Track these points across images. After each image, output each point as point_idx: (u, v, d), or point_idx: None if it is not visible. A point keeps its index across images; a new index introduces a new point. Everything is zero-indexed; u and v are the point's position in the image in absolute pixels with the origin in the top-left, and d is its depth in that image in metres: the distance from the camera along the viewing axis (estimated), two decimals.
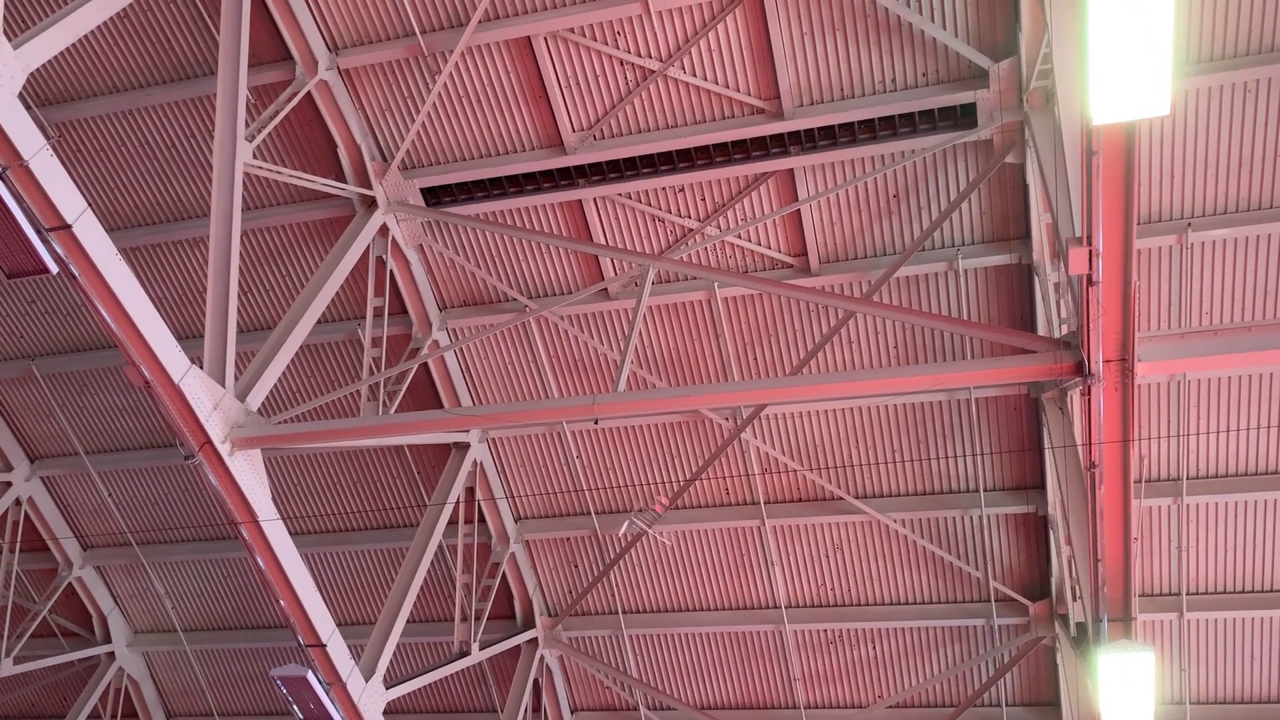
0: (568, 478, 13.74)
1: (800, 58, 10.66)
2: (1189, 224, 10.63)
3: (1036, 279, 11.10)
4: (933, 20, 10.18)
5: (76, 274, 8.69)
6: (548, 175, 11.78)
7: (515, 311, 12.76)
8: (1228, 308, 11.09)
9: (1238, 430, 11.45)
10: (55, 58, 11.80)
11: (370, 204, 12.00)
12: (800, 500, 13.23)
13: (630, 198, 11.84)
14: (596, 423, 12.99)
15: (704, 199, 11.78)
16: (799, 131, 11.04)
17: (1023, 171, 10.74)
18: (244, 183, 12.37)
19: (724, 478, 13.27)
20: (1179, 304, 11.12)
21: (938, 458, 12.53)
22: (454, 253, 12.51)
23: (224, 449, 9.78)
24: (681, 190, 11.75)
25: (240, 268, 12.96)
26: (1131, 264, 6.88)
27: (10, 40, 8.31)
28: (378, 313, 12.49)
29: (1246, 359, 7.40)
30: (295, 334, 10.72)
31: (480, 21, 10.80)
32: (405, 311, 12.94)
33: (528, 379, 13.29)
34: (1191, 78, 9.85)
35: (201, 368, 9.78)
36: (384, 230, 12.17)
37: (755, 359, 12.61)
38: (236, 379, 10.45)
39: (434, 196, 12.15)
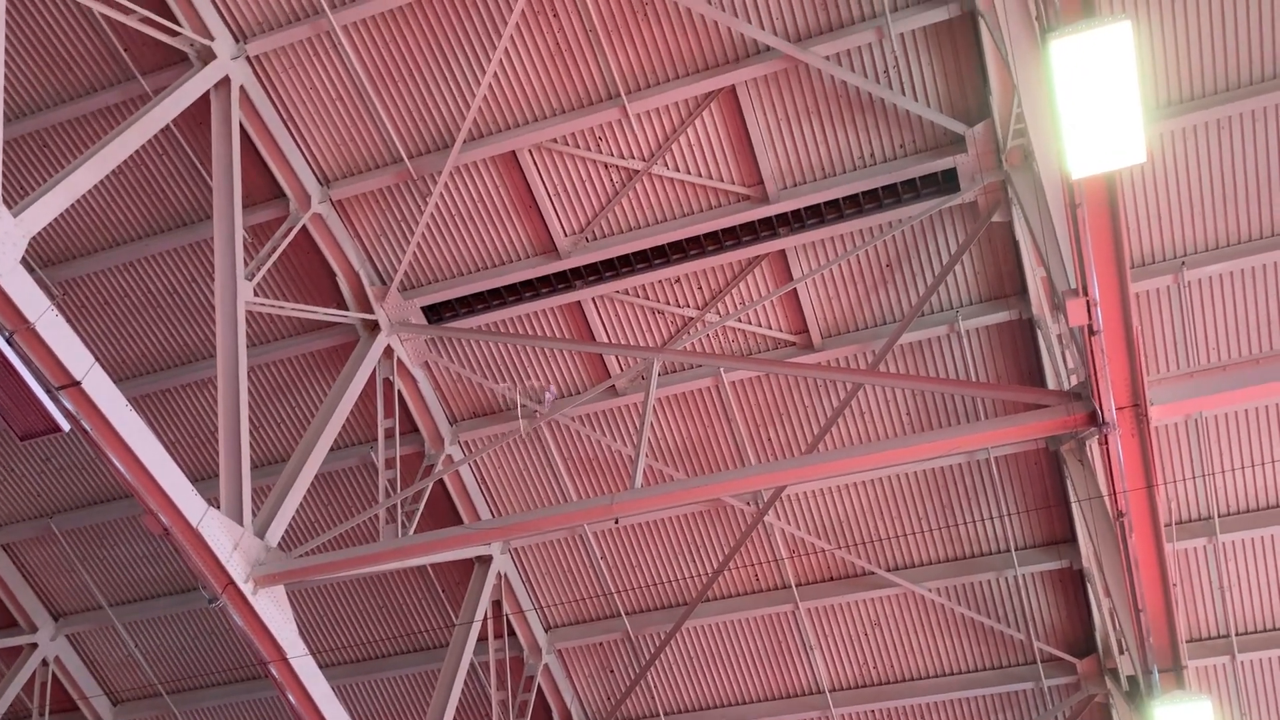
0: (594, 581, 13.59)
1: (779, 144, 10.87)
2: (1183, 262, 10.69)
3: (1039, 332, 11.12)
4: (903, 93, 10.42)
5: (89, 429, 8.76)
6: (545, 280, 11.93)
7: (526, 417, 12.77)
8: (1234, 341, 11.07)
9: (1263, 464, 11.32)
10: (55, 218, 12.09)
11: (373, 328, 12.13)
12: (832, 579, 13.04)
13: (628, 294, 11.96)
14: (617, 522, 12.90)
15: (701, 287, 11.90)
16: (786, 213, 11.20)
17: (1011, 229, 10.86)
18: (247, 320, 12.54)
19: (752, 565, 13.12)
20: (1184, 343, 11.11)
21: (965, 522, 12.39)
22: (460, 366, 12.59)
23: (247, 589, 9.72)
24: (678, 281, 11.88)
25: (250, 404, 13.05)
26: (1130, 309, 6.91)
27: (10, 208, 8.53)
28: (389, 434, 12.52)
29: (1259, 392, 7.37)
30: (309, 464, 10.74)
31: (465, 141, 11.07)
32: (416, 430, 12.98)
33: (544, 484, 13.25)
34: (1165, 120, 10.01)
35: (219, 508, 9.78)
36: (389, 352, 12.28)
37: (769, 440, 12.57)
38: (254, 516, 10.44)
39: (435, 313, 12.29)
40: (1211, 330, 11.05)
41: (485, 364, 12.63)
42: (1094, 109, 5.96)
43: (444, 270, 12.09)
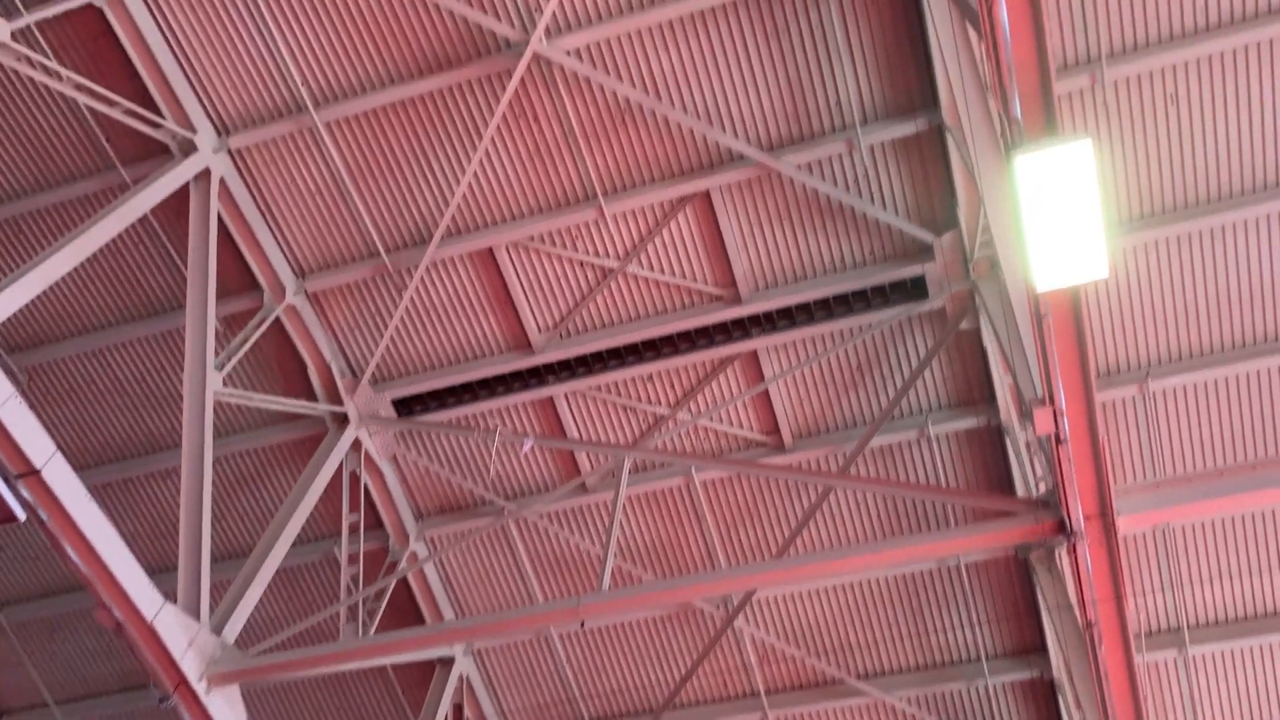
0: (558, 686, 13.27)
1: (752, 247, 11.05)
2: (1147, 373, 10.86)
3: (1008, 439, 11.19)
4: (873, 202, 10.65)
5: (45, 519, 8.56)
6: (517, 376, 11.93)
7: (493, 514, 12.64)
8: (1199, 453, 11.19)
9: (1232, 577, 11.33)
10: (25, 304, 12.03)
11: (342, 420, 12.04)
12: (802, 687, 12.81)
13: (601, 390, 11.97)
14: (584, 625, 12.66)
15: (673, 386, 11.93)
16: (759, 314, 11.32)
17: (979, 336, 11.01)
18: (215, 410, 12.41)
19: (721, 671, 12.87)
20: (1150, 453, 11.21)
21: (936, 630, 12.26)
22: (428, 460, 12.48)
23: (200, 688, 9.41)
24: (650, 379, 11.91)
25: (213, 496, 12.84)
26: (1096, 419, 6.98)
27: None
28: (353, 529, 12.33)
29: (1225, 504, 7.42)
30: (270, 559, 10.53)
31: (443, 237, 11.18)
32: (381, 525, 12.78)
33: (510, 583, 13.03)
34: (1127, 236, 10.27)
35: (176, 603, 9.53)
36: (357, 445, 12.17)
37: (740, 542, 12.47)
38: (212, 611, 10.16)
39: (405, 407, 12.23)
40: (1177, 441, 11.17)
41: (454, 459, 12.52)
42: (1057, 224, 6.10)
43: (416, 364, 12.07)
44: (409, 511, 12.83)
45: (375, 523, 12.79)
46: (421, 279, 11.50)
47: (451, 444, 12.42)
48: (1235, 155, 9.97)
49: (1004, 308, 8.93)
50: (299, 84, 10.49)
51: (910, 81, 10.09)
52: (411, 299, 11.63)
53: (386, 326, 11.65)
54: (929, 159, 10.42)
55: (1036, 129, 5.95)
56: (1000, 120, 6.35)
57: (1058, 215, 6.09)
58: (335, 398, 11.98)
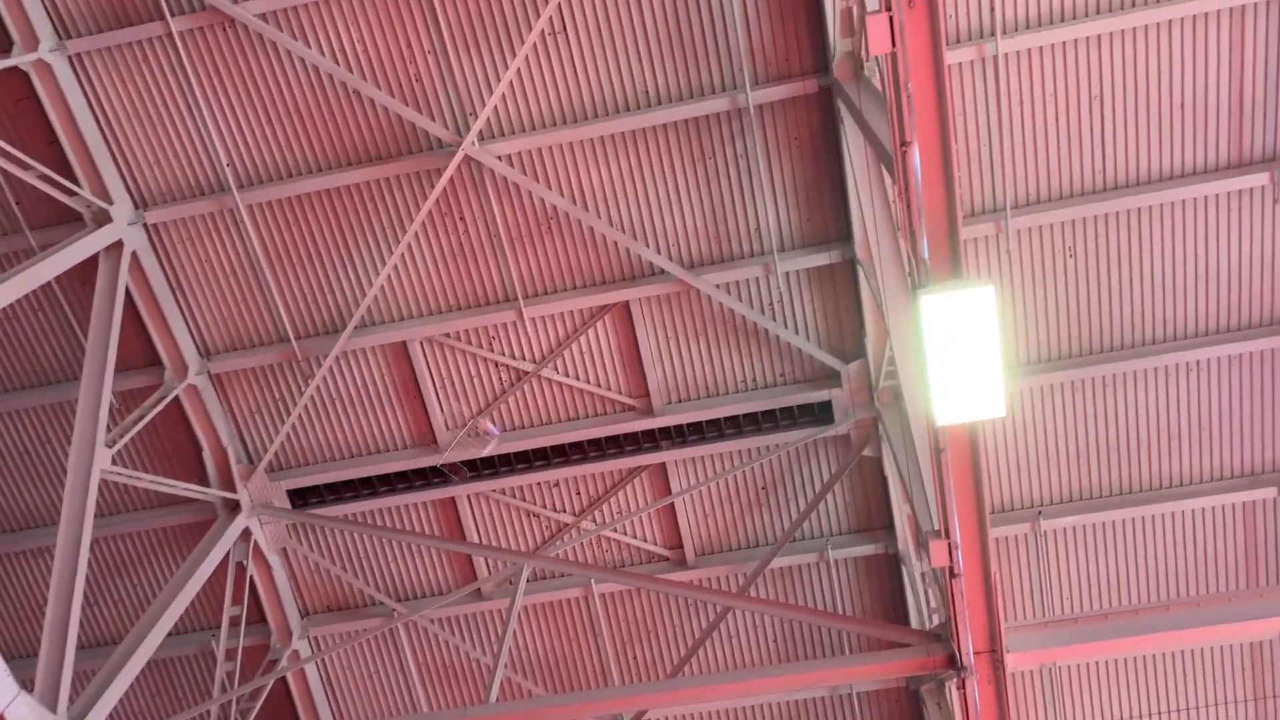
0: None
1: (667, 360, 11.17)
2: (1040, 512, 11.15)
3: (905, 568, 11.32)
4: (786, 326, 10.90)
5: None
6: (420, 473, 11.72)
7: (383, 616, 12.23)
8: (1086, 593, 11.45)
9: (1114, 718, 11.50)
10: None
11: (233, 508, 11.63)
12: None
13: (505, 494, 11.81)
14: None
15: (579, 493, 11.84)
16: (669, 427, 11.38)
17: (881, 464, 11.22)
18: (100, 488, 11.89)
19: None
20: (1041, 591, 11.44)
21: None
22: (319, 556, 12.09)
23: None
24: (556, 485, 11.81)
25: (89, 578, 12.19)
26: (989, 555, 7.11)
27: None
28: (234, 622, 11.80)
29: (1109, 647, 7.57)
30: (142, 649, 9.97)
31: (357, 327, 11.07)
32: (264, 620, 12.26)
33: (394, 690, 12.55)
34: (1025, 378, 10.67)
35: (32, 692, 8.92)
36: (246, 534, 11.74)
37: (635, 658, 12.26)
38: (72, 702, 9.52)
39: (301, 498, 11.89)
40: (1066, 581, 11.42)
41: (347, 556, 12.15)
42: (958, 362, 6.29)
43: (316, 454, 11.78)
44: (294, 608, 12.35)
45: (258, 617, 12.26)
46: (330, 368, 11.32)
47: (345, 540, 12.06)
48: (1128, 309, 10.50)
49: (905, 438, 9.13)
50: (224, 164, 10.43)
51: (827, 215, 10.47)
52: (318, 388, 11.42)
53: (289, 414, 11.39)
54: (841, 290, 10.75)
55: (942, 271, 6.18)
56: (909, 260, 6.60)
57: (959, 354, 6.28)
58: (228, 484, 11.59)
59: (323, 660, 12.42)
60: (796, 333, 10.95)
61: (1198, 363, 10.59)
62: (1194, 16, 9.40)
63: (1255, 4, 9.32)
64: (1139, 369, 10.62)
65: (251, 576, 11.88)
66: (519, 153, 10.33)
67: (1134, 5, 9.39)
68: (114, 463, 10.51)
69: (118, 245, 10.50)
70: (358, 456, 11.77)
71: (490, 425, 11.11)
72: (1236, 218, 10.09)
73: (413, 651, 12.39)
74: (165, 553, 12.28)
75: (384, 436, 11.67)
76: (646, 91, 10.07)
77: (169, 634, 12.12)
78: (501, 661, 9.48)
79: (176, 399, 11.34)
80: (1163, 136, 9.87)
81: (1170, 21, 9.43)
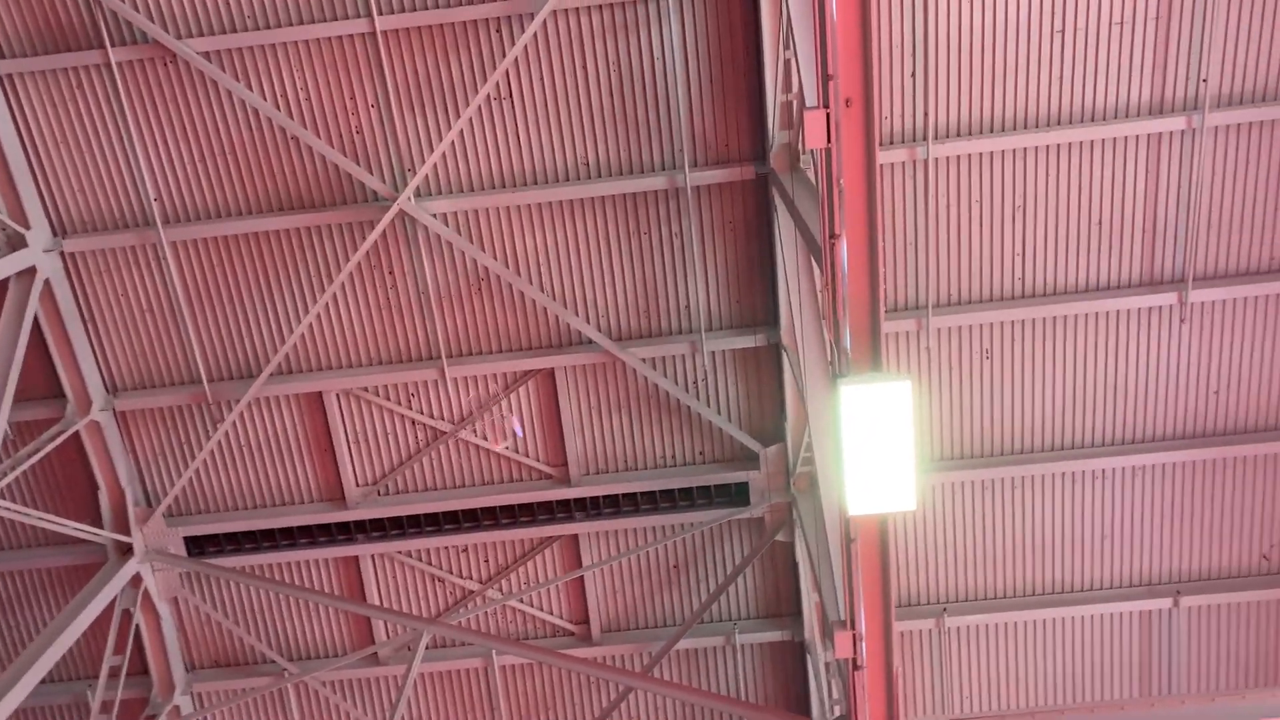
0: None
1: (588, 430, 11.12)
2: (945, 609, 11.24)
3: (809, 657, 11.28)
4: (708, 405, 10.95)
5: None
6: (324, 529, 11.41)
7: (273, 676, 11.77)
8: (985, 692, 11.52)
9: None
10: None
11: (125, 551, 11.16)
12: None
13: (411, 556, 11.54)
14: None
15: (487, 560, 11.63)
16: (584, 498, 11.28)
17: (793, 550, 11.24)
18: None
19: None
20: (941, 688, 11.48)
21: None
22: (211, 608, 11.63)
23: None
24: (465, 550, 11.58)
25: None
26: (892, 649, 7.11)
27: None
28: (114, 673, 11.23)
29: None
30: (11, 696, 9.41)
31: (272, 375, 10.82)
32: (146, 672, 11.71)
33: None
34: (937, 474, 10.83)
35: None
36: (136, 581, 11.26)
37: None
38: None
39: (198, 546, 11.47)
40: (967, 679, 11.49)
41: (240, 610, 11.71)
42: (873, 453, 6.36)
43: (218, 503, 11.40)
44: (180, 661, 11.82)
45: (140, 669, 11.71)
46: (241, 414, 11.03)
47: (240, 593, 11.64)
48: (1040, 414, 10.77)
49: (818, 525, 9.17)
50: (151, 199, 10.22)
51: (756, 299, 10.62)
52: (226, 433, 11.10)
53: (194, 458, 11.04)
54: (764, 373, 10.86)
55: (863, 362, 6.29)
56: (831, 349, 6.70)
57: (874, 445, 6.35)
58: (123, 526, 11.14)
59: (205, 717, 11.87)
60: (719, 412, 10.99)
61: (1103, 471, 10.88)
62: (1114, 139, 9.85)
63: (1171, 133, 9.81)
64: (1047, 473, 10.87)
65: (137, 625, 11.37)
66: (455, 212, 10.31)
67: (1059, 124, 9.81)
68: (2, 496, 10.04)
69: (30, 271, 10.17)
70: (261, 507, 11.43)
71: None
72: (1145, 334, 10.48)
73: (301, 714, 11.92)
74: (49, 594, 11.71)
75: (290, 489, 11.36)
76: (587, 163, 10.18)
77: (42, 681, 11.51)
78: None
79: (76, 434, 10.91)
80: (1080, 250, 10.25)
81: (1092, 142, 9.86)
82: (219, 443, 11.12)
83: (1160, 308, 10.37)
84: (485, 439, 11.13)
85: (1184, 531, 11.09)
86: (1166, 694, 11.53)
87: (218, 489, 11.36)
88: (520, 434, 10.96)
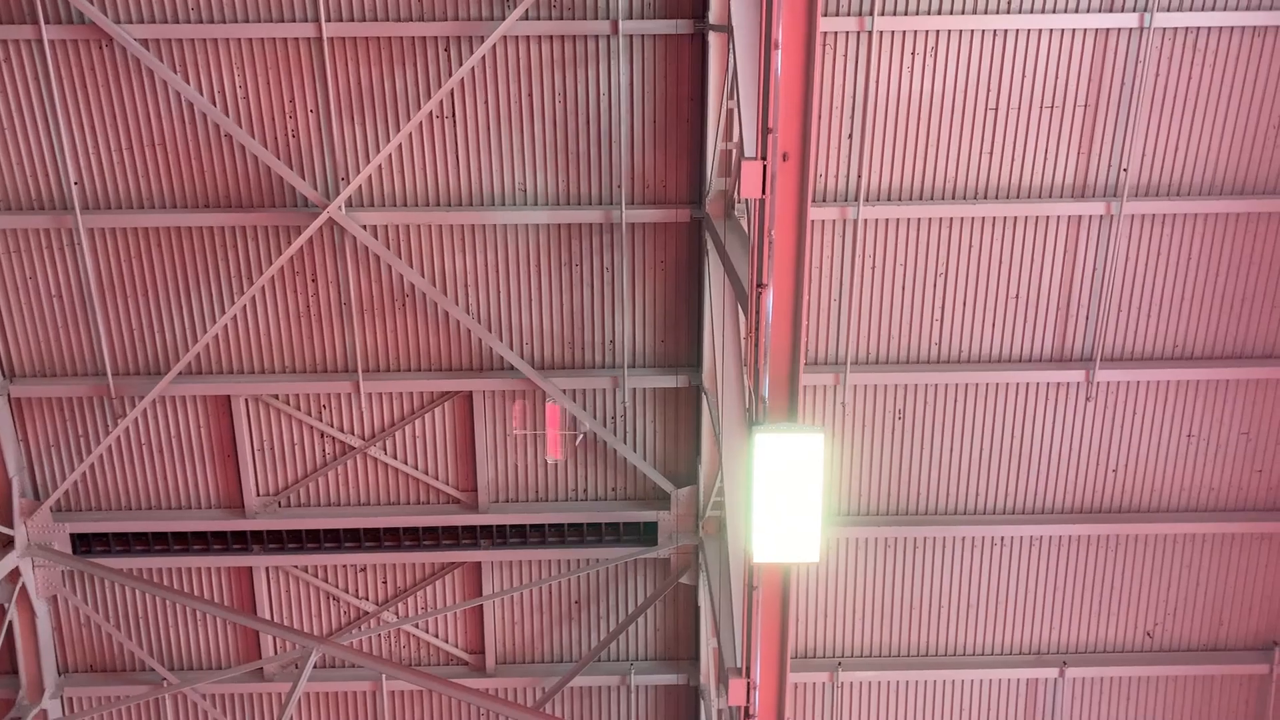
0: None
1: (500, 457, 11.01)
2: (839, 663, 11.33)
3: (703, 703, 11.26)
4: (625, 441, 10.95)
5: None
6: (219, 537, 11.08)
7: (151, 685, 11.33)
8: None
9: None
10: None
11: (6, 544, 10.69)
12: None
13: (306, 571, 11.26)
14: None
15: (385, 581, 11.40)
16: (491, 526, 11.15)
17: (696, 594, 11.24)
18: None
19: None
20: None
21: None
22: (92, 609, 11.19)
23: None
24: (364, 570, 11.34)
25: None
26: (785, 700, 7.13)
27: None
28: None
29: None
30: None
31: (181, 374, 10.52)
32: (15, 672, 11.18)
33: None
34: (845, 528, 10.96)
35: None
36: (14, 575, 10.78)
37: None
38: None
39: (85, 544, 11.05)
40: None
41: (123, 614, 11.29)
42: (782, 503, 6.42)
43: (111, 501, 11.01)
44: (53, 662, 11.32)
45: (8, 668, 11.19)
46: (144, 412, 10.69)
47: (125, 596, 11.22)
48: (946, 477, 10.99)
49: (722, 571, 9.19)
50: (72, 182, 9.91)
51: (680, 340, 10.68)
52: (126, 430, 10.75)
53: (89, 453, 10.65)
54: (682, 415, 10.90)
55: (779, 412, 6.35)
56: (749, 396, 6.76)
57: (784, 495, 6.41)
58: (5, 517, 10.67)
59: None
60: (634, 450, 10.99)
61: (1002, 538, 11.12)
62: (1036, 218, 10.19)
63: (1090, 217, 10.18)
64: (948, 536, 11.07)
65: (11, 622, 10.87)
66: (385, 225, 10.20)
67: (985, 198, 10.11)
68: None
69: None
70: (155, 509, 11.07)
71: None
72: (1052, 408, 10.79)
73: None
74: None
75: (188, 493, 11.02)
76: (524, 190, 10.17)
77: None
78: None
79: None
80: (996, 321, 10.54)
81: (1015, 218, 10.18)
82: (118, 439, 10.76)
83: (1068, 384, 10.70)
84: (394, 458, 10.95)
85: (1074, 603, 11.37)
86: None
87: (111, 487, 10.97)
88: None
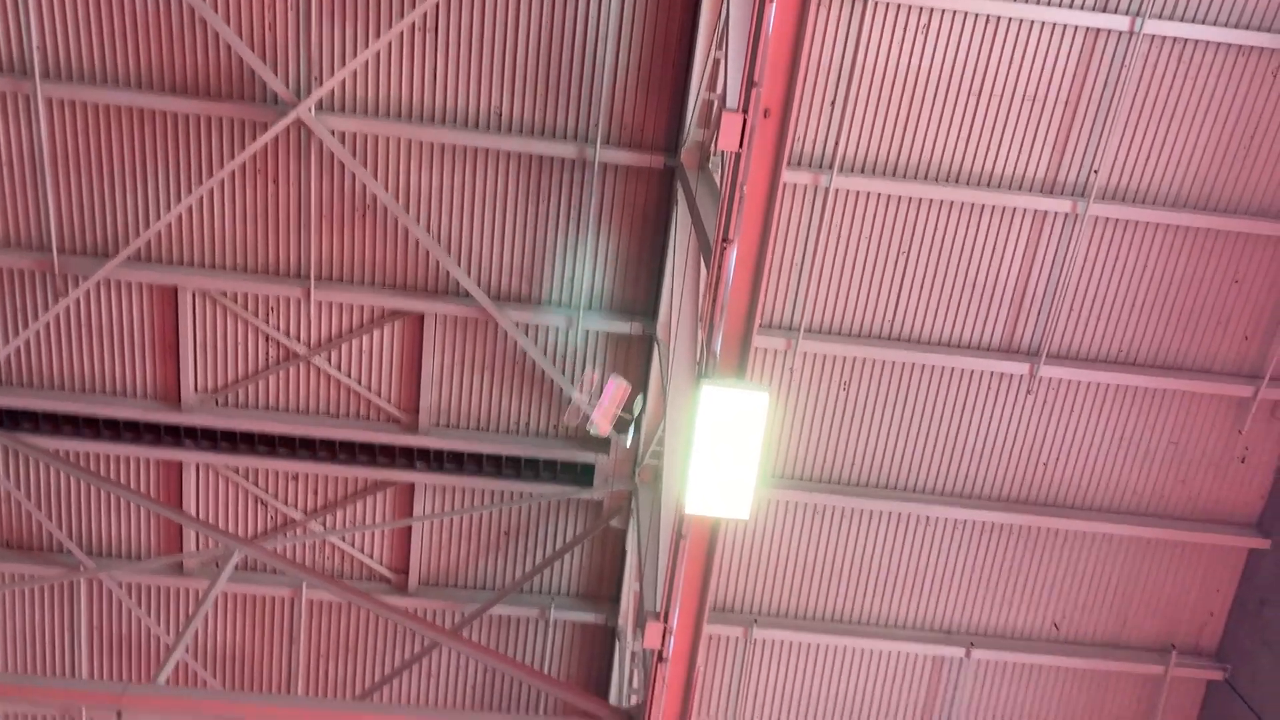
0: None
1: (446, 382, 10.97)
2: (755, 619, 11.55)
3: (618, 644, 11.43)
4: (571, 383, 10.95)
5: None
6: (152, 429, 10.94)
7: (67, 567, 11.23)
8: (777, 706, 11.90)
9: None
10: None
11: None
12: None
13: (237, 473, 11.18)
14: (120, 717, 11.28)
15: (316, 492, 11.36)
16: (429, 450, 11.13)
17: (624, 538, 11.35)
18: None
19: None
20: (737, 695, 11.79)
21: None
22: (14, 486, 11.02)
23: None
24: (295, 478, 11.28)
25: None
26: (699, 648, 7.27)
27: None
28: None
29: None
30: None
31: (129, 259, 10.30)
32: None
33: (57, 648, 11.50)
34: (777, 489, 11.11)
35: None
36: None
37: (326, 674, 11.75)
38: None
39: (14, 420, 10.84)
40: (763, 690, 11.83)
41: (46, 493, 11.14)
42: (720, 457, 6.49)
43: (44, 380, 10.80)
44: None
45: None
46: (88, 293, 10.46)
47: (50, 476, 11.06)
48: (882, 453, 11.16)
49: (653, 518, 9.29)
50: (34, 46, 9.57)
51: (640, 287, 10.67)
52: (67, 309, 10.52)
53: (27, 328, 10.42)
54: (633, 362, 10.92)
55: (729, 367, 6.40)
56: (701, 349, 6.79)
57: (723, 450, 6.48)
58: None
59: None
60: (580, 392, 11.00)
61: (928, 518, 11.35)
62: (1003, 208, 10.28)
63: (1055, 214, 10.30)
64: (876, 509, 11.27)
65: None
66: (354, 133, 10.01)
67: (956, 182, 10.18)
68: None
69: None
70: (89, 393, 10.88)
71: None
72: (993, 397, 10.98)
73: (89, 612, 11.42)
74: None
75: (125, 380, 10.85)
76: (500, 114, 10.02)
77: None
78: (183, 643, 8.84)
79: None
80: (950, 305, 10.66)
81: (983, 206, 10.27)
82: (57, 317, 10.53)
83: (1012, 375, 10.88)
84: (338, 370, 10.86)
85: (989, 588, 11.68)
86: None
87: (46, 366, 10.76)
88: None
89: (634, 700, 10.95)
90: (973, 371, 10.86)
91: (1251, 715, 11.31)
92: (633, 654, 11.11)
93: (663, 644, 7.21)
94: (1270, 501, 11.38)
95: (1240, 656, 11.65)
